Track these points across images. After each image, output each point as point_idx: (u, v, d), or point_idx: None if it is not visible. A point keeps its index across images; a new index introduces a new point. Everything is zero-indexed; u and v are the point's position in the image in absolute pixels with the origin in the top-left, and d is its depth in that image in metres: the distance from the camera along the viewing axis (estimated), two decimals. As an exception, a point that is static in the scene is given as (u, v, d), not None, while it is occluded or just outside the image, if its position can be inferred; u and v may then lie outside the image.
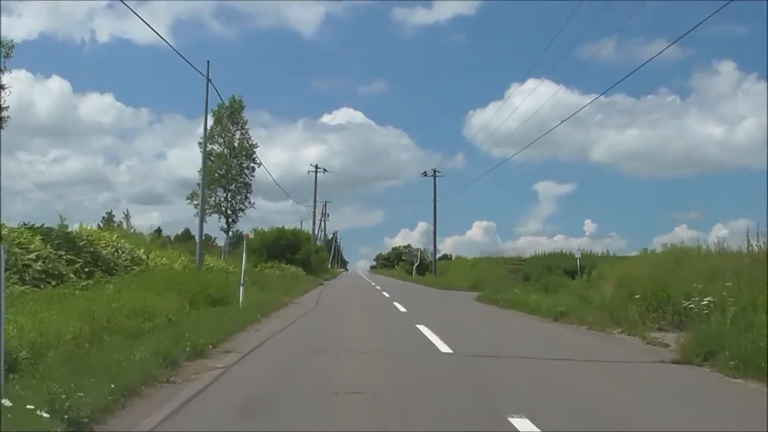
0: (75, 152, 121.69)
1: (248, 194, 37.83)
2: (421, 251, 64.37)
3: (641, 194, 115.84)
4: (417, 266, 62.83)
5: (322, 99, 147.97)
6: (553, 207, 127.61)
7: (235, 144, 37.46)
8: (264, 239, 53.18)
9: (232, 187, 37.23)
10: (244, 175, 37.95)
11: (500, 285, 30.59)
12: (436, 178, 56.89)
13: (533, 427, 5.44)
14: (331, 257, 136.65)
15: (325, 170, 61.99)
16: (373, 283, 45.85)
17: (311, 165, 62.67)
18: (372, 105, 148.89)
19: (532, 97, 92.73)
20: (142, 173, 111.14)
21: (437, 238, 57.99)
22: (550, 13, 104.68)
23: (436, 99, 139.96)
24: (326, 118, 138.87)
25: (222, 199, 37.06)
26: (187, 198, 36.89)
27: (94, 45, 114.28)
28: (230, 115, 37.11)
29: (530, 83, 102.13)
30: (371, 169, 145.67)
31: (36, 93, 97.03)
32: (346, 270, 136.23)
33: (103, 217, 78.62)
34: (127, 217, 45.84)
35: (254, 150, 38.25)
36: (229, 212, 36.82)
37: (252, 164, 38.27)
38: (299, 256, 53.41)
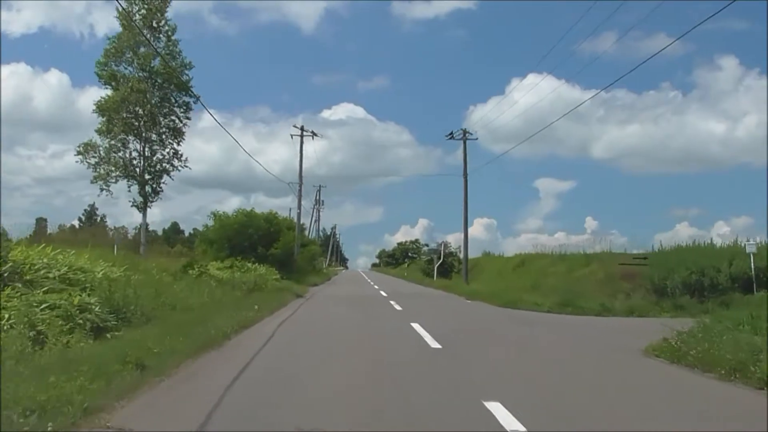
0: (74, 147, 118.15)
1: (179, 143, 24.17)
2: (445, 243, 50.29)
3: (642, 191, 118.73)
4: (439, 265, 48.67)
5: (322, 94, 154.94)
6: (554, 204, 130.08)
7: (156, 64, 23.32)
8: (225, 227, 39.40)
9: (153, 134, 23.52)
10: (171, 116, 24.15)
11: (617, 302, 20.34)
12: (467, 142, 42.41)
13: None
14: (329, 254, 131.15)
15: (314, 133, 47.75)
16: (383, 293, 32.59)
17: (294, 126, 48.41)
18: (372, 100, 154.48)
19: (534, 93, 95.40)
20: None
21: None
22: (550, 8, 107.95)
23: (436, 94, 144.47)
24: (326, 114, 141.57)
25: (135, 155, 23.31)
26: (78, 153, 22.94)
27: (93, 39, 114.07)
28: (146, 17, 22.85)
29: (531, 78, 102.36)
30: (371, 165, 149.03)
31: (35, 87, 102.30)
32: (346, 268, 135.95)
33: (85, 211, 70.45)
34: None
35: (187, 72, 24.50)
36: (146, 176, 23.06)
37: (186, 98, 24.40)
38: (276, 250, 39.54)
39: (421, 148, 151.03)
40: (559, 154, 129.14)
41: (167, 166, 25.47)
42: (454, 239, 53.94)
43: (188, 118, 26.07)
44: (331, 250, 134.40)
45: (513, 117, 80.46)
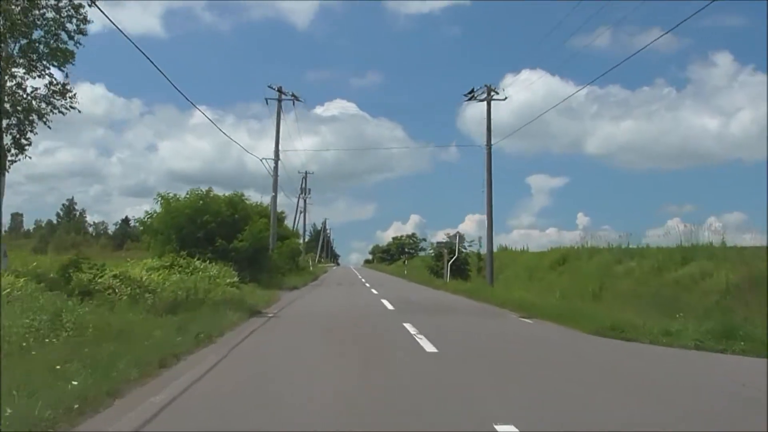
0: (66, 144, 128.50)
1: (62, 67, 14.82)
2: (459, 234, 40.71)
3: (635, 187, 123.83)
4: (451, 262, 39.11)
5: (315, 90, 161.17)
6: (546, 200, 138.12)
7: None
8: (173, 214, 29.77)
9: (14, 47, 14.16)
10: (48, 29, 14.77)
11: None
12: (492, 103, 32.87)
13: None
14: (318, 250, 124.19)
15: (294, 97, 38.25)
16: (385, 303, 23.09)
17: (270, 87, 38.75)
18: (365, 96, 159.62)
19: (528, 89, 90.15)
20: (134, 165, 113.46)
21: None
22: (544, 3, 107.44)
23: (429, 90, 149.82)
24: (319, 110, 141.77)
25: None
26: None
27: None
28: None
29: (525, 74, 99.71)
30: (364, 162, 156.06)
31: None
32: (338, 265, 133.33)
33: (63, 205, 63.36)
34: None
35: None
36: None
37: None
38: (242, 243, 29.91)
39: (414, 144, 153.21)
40: (552, 151, 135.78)
41: (41, 104, 15.84)
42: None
43: (82, 34, 16.47)
44: (321, 245, 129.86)
45: (507, 113, 75.96)
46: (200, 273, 23.71)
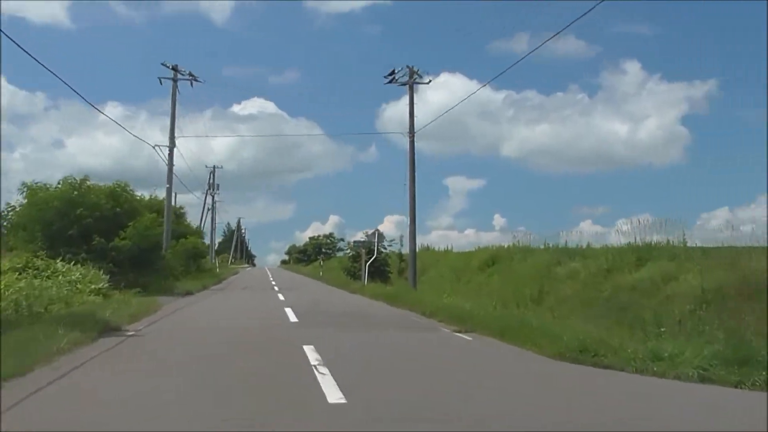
0: None
1: None
2: (378, 232, 37.08)
3: (550, 189, 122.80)
4: (370, 263, 35.51)
5: (232, 88, 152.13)
6: (464, 201, 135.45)
7: None
8: (39, 206, 25.02)
9: None
10: None
11: None
12: (415, 87, 29.53)
13: None
14: (232, 250, 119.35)
15: (192, 77, 33.80)
16: (290, 314, 18.80)
17: (165, 65, 34.17)
18: (284, 95, 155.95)
19: (446, 91, 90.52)
20: (39, 161, 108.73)
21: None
22: (464, 6, 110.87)
23: (349, 91, 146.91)
24: (236, 108, 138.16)
25: None
26: None
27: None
28: None
29: (444, 77, 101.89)
30: (283, 161, 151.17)
31: None
32: (253, 266, 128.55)
33: None
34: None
35: None
36: None
37: None
38: (124, 242, 25.39)
39: (334, 144, 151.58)
40: (470, 153, 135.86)
41: None
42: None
43: None
44: (235, 245, 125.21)
45: (426, 114, 74.57)
46: (60, 277, 19.25)
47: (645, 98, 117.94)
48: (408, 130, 30.31)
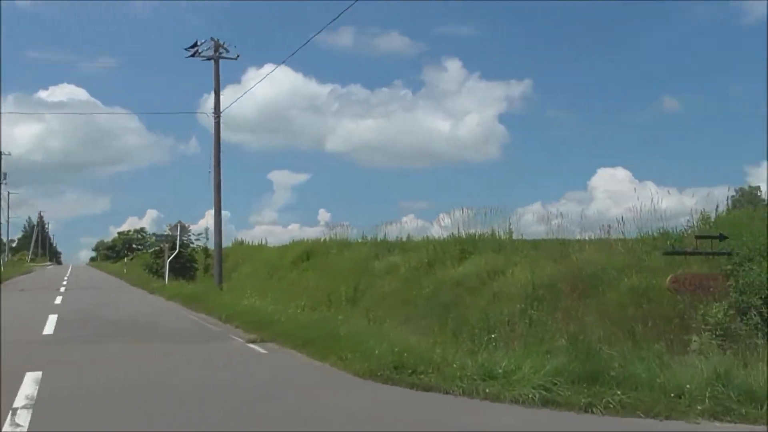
0: None
1: None
2: (181, 225, 33.46)
3: (375, 184, 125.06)
4: (173, 259, 31.94)
5: (38, 72, 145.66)
6: (289, 196, 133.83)
7: None
8: None
9: None
10: None
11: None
12: (220, 62, 26.46)
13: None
14: (31, 247, 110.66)
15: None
16: (48, 330, 14.63)
17: None
18: (98, 83, 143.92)
19: (271, 83, 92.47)
20: None
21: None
22: None
23: (169, 81, 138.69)
24: (43, 94, 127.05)
25: None
26: None
27: None
28: None
29: (268, 68, 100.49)
30: (96, 153, 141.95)
31: None
32: (59, 263, 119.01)
33: None
34: None
35: None
36: None
37: None
38: None
39: (152, 135, 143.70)
40: (295, 147, 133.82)
41: None
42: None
43: None
44: (35, 242, 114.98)
45: (251, 108, 71.85)
46: None
47: (465, 96, 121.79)
48: (213, 110, 27.13)
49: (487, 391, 7.55)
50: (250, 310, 16.32)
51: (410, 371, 8.46)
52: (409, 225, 23.84)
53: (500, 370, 7.84)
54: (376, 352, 9.00)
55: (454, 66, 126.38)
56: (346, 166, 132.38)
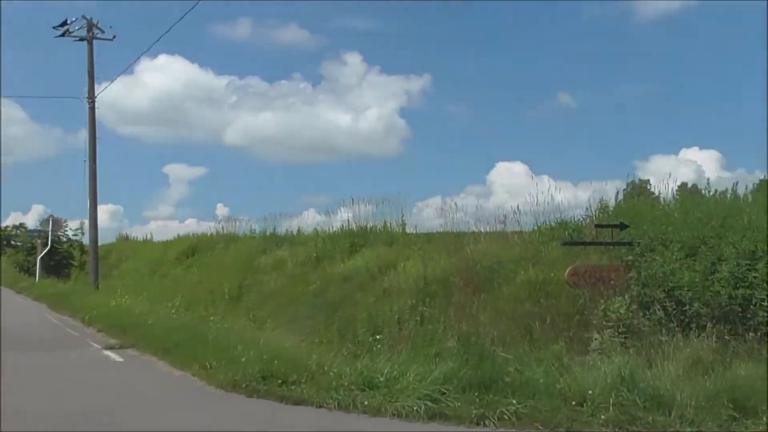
0: None
1: None
2: (54, 219, 31.00)
3: (275, 178, 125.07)
4: (44, 255, 29.54)
5: None
6: (185, 190, 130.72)
7: None
8: None
9: None
10: None
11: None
12: (94, 42, 24.41)
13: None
14: None
15: None
16: None
17: None
18: None
19: (166, 75, 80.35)
20: None
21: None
22: None
23: (55, 68, 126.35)
24: None
25: None
26: None
27: None
28: None
29: (163, 59, 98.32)
30: None
31: None
32: None
33: None
34: None
35: None
36: None
37: None
38: None
39: (37, 126, 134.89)
40: (192, 140, 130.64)
41: None
42: (74, 227, 34.47)
43: None
44: None
45: (145, 99, 68.15)
46: None
47: (366, 90, 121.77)
48: (86, 95, 24.95)
49: (366, 403, 6.55)
50: (117, 311, 14.74)
51: (281, 381, 7.35)
52: (309, 219, 22.36)
53: (382, 379, 6.84)
54: (243, 359, 7.82)
55: (354, 60, 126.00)
56: (246, 160, 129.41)
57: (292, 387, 7.17)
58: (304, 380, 7.29)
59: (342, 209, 18.98)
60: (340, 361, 7.85)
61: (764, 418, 5.92)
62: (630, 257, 9.02)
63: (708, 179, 11.22)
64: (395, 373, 6.90)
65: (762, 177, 11.58)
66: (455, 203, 14.92)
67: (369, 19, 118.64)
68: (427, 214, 18.26)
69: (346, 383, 6.91)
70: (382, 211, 17.30)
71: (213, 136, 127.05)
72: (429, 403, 6.32)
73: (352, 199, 17.98)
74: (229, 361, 8.13)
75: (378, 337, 8.94)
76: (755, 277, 7.71)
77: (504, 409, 6.14)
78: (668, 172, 11.99)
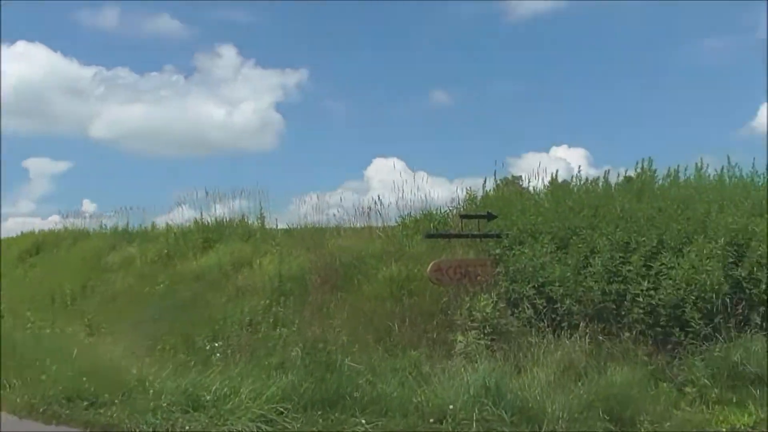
0: None
1: None
2: None
3: (146, 173, 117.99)
4: None
5: None
6: (49, 185, 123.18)
7: None
8: None
9: None
10: None
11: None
12: None
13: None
14: None
15: None
16: None
17: None
18: None
19: (26, 63, 75.68)
20: None
21: None
22: None
23: None
24: None
25: None
26: None
27: None
28: None
29: (21, 46, 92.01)
30: None
31: None
32: None
33: None
34: None
35: None
36: None
37: None
38: None
39: None
40: (55, 133, 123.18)
41: None
42: None
43: None
44: None
45: (3, 88, 63.60)
46: None
47: (240, 83, 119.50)
48: None
49: (188, 428, 5.42)
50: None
51: (89, 403, 6.08)
52: (183, 215, 20.64)
53: (209, 397, 5.72)
54: (43, 377, 6.47)
55: (228, 52, 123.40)
56: (114, 154, 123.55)
57: (101, 410, 5.93)
58: (117, 400, 6.07)
59: (216, 205, 17.54)
60: (167, 375, 6.66)
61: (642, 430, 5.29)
62: (498, 251, 8.31)
63: (579, 169, 10.72)
64: (226, 389, 5.80)
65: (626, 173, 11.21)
66: (328, 199, 13.96)
67: (244, 11, 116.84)
68: (304, 210, 16.88)
69: (166, 404, 5.75)
70: (239, 205, 16.12)
71: (79, 128, 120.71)
72: (263, 426, 5.29)
73: (207, 192, 16.67)
74: (29, 379, 6.75)
75: (217, 344, 7.76)
76: (629, 271, 7.16)
77: (351, 430, 5.21)
78: (540, 167, 11.48)
